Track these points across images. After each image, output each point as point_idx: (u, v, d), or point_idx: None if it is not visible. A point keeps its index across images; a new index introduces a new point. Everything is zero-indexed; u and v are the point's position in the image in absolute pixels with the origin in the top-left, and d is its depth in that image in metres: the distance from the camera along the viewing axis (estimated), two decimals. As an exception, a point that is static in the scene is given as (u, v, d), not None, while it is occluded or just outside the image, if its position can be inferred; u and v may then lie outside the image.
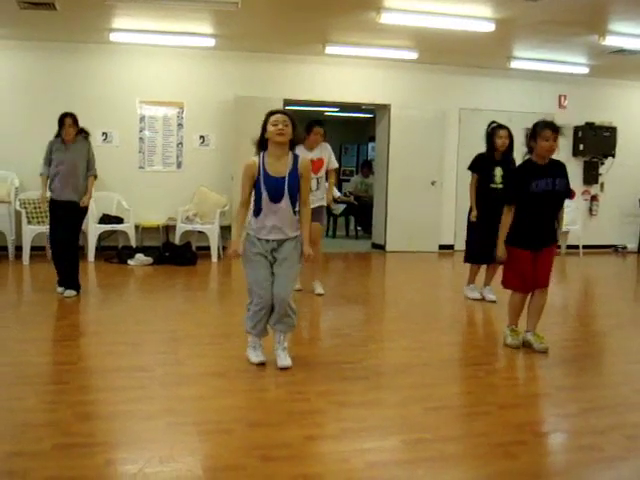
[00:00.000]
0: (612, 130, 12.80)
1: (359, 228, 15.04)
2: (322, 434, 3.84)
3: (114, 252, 10.15)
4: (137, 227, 10.52)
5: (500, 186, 7.25)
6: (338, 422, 3.99)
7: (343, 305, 7.68)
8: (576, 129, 12.71)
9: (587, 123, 12.66)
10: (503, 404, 4.47)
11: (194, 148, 11.08)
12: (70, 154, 7.31)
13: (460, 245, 12.32)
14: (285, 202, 4.79)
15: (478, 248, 7.47)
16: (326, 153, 7.74)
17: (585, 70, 11.75)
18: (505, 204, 5.61)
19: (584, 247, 12.28)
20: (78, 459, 3.37)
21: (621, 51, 10.10)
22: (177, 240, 10.48)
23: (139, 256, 9.80)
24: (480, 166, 7.58)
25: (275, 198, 4.76)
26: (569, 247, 12.45)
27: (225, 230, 10.74)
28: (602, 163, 12.93)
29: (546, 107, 12.37)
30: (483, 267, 7.71)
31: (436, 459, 3.52)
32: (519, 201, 5.50)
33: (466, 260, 7.90)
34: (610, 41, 9.32)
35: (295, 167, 4.82)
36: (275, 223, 4.81)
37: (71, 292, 7.33)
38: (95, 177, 7.60)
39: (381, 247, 12.29)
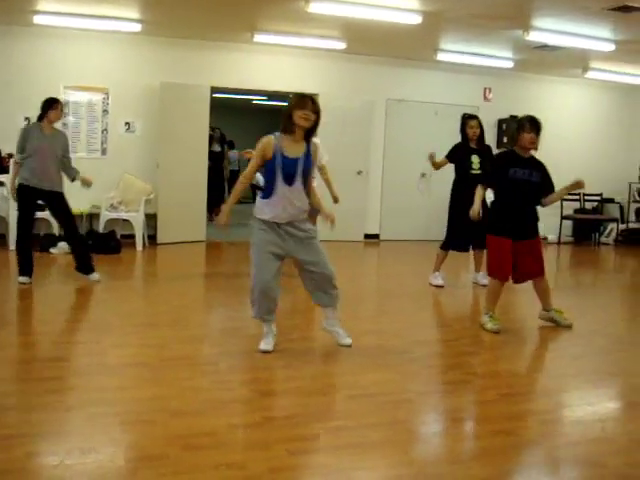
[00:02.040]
0: (535, 123, 13.06)
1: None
2: (245, 422, 3.85)
3: (36, 240, 9.93)
4: (60, 214, 10.30)
5: (478, 172, 7.61)
6: (261, 411, 4.01)
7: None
8: (500, 122, 12.96)
9: (511, 116, 12.86)
10: (423, 391, 4.55)
11: (119, 135, 10.92)
12: (52, 143, 7.23)
13: (386, 235, 12.51)
14: (298, 182, 4.99)
15: (459, 235, 7.81)
16: (316, 148, 7.70)
17: (510, 64, 11.98)
18: (480, 183, 6.14)
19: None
20: (-4, 451, 3.32)
21: (544, 47, 10.33)
22: (101, 228, 10.32)
23: (62, 244, 9.61)
24: (457, 155, 7.91)
25: (289, 179, 4.93)
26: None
27: (150, 218, 10.63)
28: (525, 156, 13.19)
29: (471, 99, 12.59)
30: (451, 255, 8.04)
31: (359, 446, 3.56)
32: (496, 185, 5.99)
33: (443, 247, 8.06)
34: (534, 36, 9.51)
35: (308, 150, 5.05)
36: (291, 204, 4.98)
37: (95, 275, 7.49)
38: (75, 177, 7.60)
39: (308, 236, 12.29)
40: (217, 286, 7.83)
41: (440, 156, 8.02)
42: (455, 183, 8.01)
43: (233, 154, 18.11)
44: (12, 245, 9.67)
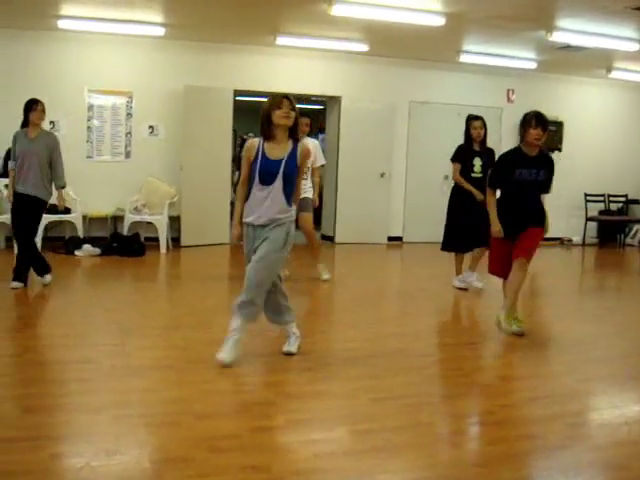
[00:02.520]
0: (559, 125, 13.00)
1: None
2: (270, 425, 3.85)
3: (61, 243, 10.02)
4: (85, 217, 10.38)
5: (480, 175, 7.52)
6: (285, 413, 4.01)
7: (290, 297, 7.66)
8: (523, 123, 12.87)
9: (534, 117, 12.82)
10: (448, 394, 4.53)
11: (143, 138, 10.97)
12: (34, 147, 7.07)
13: (408, 237, 12.48)
14: (278, 185, 4.77)
15: (457, 236, 7.71)
16: (313, 147, 7.78)
17: (533, 65, 11.91)
18: (487, 187, 5.97)
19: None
20: (23, 453, 3.33)
21: (567, 47, 10.26)
22: (125, 231, 10.37)
23: (87, 247, 9.69)
24: (461, 157, 7.78)
25: (266, 180, 4.76)
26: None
27: (174, 221, 10.68)
28: (549, 157, 13.12)
29: (494, 101, 12.54)
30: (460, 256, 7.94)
31: (383, 449, 3.56)
32: (502, 186, 5.86)
33: (443, 248, 8.03)
34: (557, 37, 9.45)
35: (294, 152, 4.84)
36: (264, 206, 4.78)
37: (18, 284, 7.18)
38: (63, 187, 7.40)
39: (330, 239, 12.32)
40: (240, 289, 7.83)
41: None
42: (456, 184, 7.89)
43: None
44: (38, 248, 9.75)
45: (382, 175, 12.11)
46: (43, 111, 7.18)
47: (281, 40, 10.53)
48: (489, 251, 6.14)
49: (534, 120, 5.69)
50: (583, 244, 13.26)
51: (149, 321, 6.11)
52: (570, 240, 13.32)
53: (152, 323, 6.03)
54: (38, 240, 9.72)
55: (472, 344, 5.75)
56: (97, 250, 9.69)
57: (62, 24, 9.72)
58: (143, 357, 5.02)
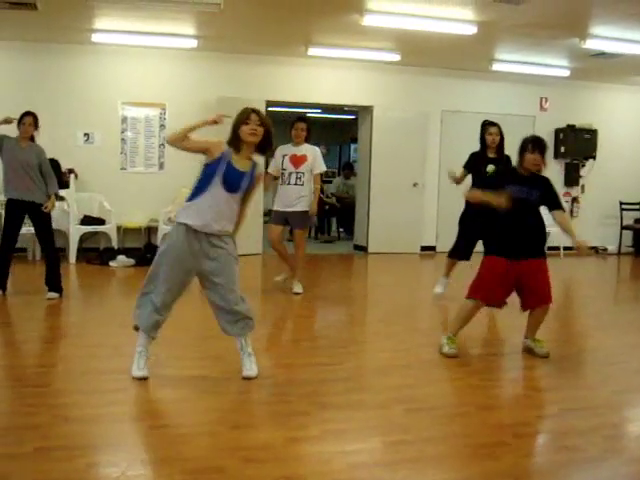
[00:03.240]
0: (593, 132, 12.89)
1: (341, 230, 15.06)
2: (304, 436, 3.84)
3: (96, 254, 10.11)
4: (119, 228, 10.48)
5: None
6: (320, 424, 3.99)
7: (325, 307, 7.69)
8: (557, 131, 12.80)
9: (568, 125, 12.73)
10: (483, 405, 4.49)
11: (176, 149, 11.02)
12: (26, 155, 7.16)
13: (442, 246, 12.40)
14: (238, 196, 4.60)
15: (466, 244, 7.58)
16: (312, 154, 7.80)
17: (566, 73, 11.83)
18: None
19: (565, 249, 12.33)
20: (59, 462, 3.36)
21: (601, 54, 10.18)
22: (159, 241, 10.43)
23: (121, 258, 9.77)
24: (474, 164, 7.60)
25: (230, 188, 4.53)
26: (550, 249, 12.46)
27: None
28: (583, 165, 13.01)
29: (528, 109, 12.47)
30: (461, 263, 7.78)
31: (417, 460, 3.54)
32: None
33: (450, 255, 7.92)
34: (591, 44, 9.39)
35: (252, 172, 4.66)
36: (219, 212, 4.54)
37: (53, 294, 7.28)
38: (56, 195, 7.51)
39: (363, 249, 12.31)
40: (272, 299, 7.86)
41: (459, 169, 7.74)
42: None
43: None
44: (72, 259, 9.88)
45: (415, 185, 12.08)
46: (31, 125, 7.19)
47: (313, 51, 10.57)
48: (478, 272, 5.58)
49: (531, 145, 5.36)
50: (618, 253, 13.11)
51: (183, 331, 6.12)
52: (605, 249, 13.18)
53: (186, 333, 6.04)
54: (74, 251, 9.85)
55: (506, 355, 5.70)
56: (131, 261, 9.76)
57: (96, 38, 9.85)
58: (177, 367, 5.05)
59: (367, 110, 12.19)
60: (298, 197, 7.73)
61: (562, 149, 12.72)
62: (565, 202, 13.02)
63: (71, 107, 10.52)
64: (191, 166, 11.47)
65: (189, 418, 4.07)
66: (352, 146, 19.38)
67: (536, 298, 5.47)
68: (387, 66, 11.65)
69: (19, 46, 10.27)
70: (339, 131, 20.80)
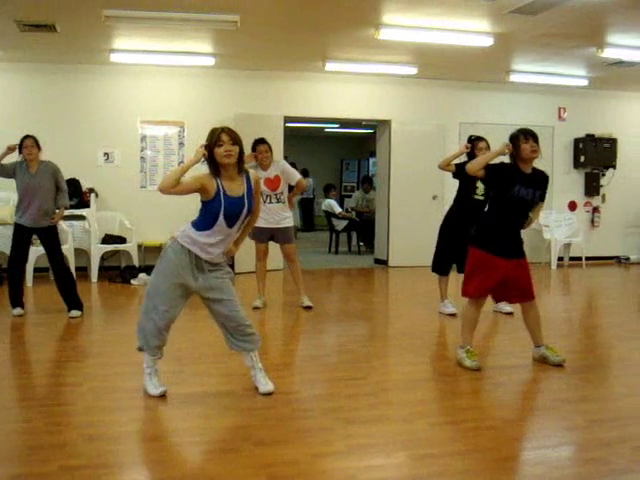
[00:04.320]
0: (612, 141, 12.81)
1: (361, 244, 15.04)
2: (329, 451, 3.83)
3: (117, 272, 10.16)
4: (140, 246, 10.53)
5: (482, 198, 7.15)
6: (344, 439, 3.98)
7: (346, 321, 7.68)
8: (576, 141, 12.75)
9: (587, 135, 12.68)
10: (508, 418, 4.46)
11: (195, 167, 10.95)
12: (36, 181, 7.18)
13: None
14: (237, 227, 4.58)
15: (447, 258, 7.56)
16: (281, 171, 7.85)
17: (584, 82, 11.79)
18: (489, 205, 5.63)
19: (587, 259, 12.27)
20: (85, 481, 3.37)
21: (620, 63, 10.14)
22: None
23: (142, 275, 9.80)
24: (464, 176, 6.91)
25: (232, 223, 4.50)
26: (572, 259, 12.45)
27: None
28: (603, 174, 12.94)
29: (546, 120, 12.42)
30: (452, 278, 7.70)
31: (443, 474, 3.51)
32: (495, 199, 5.50)
33: (434, 269, 7.85)
34: (608, 53, 9.36)
35: (249, 185, 4.60)
36: (224, 245, 4.58)
37: (76, 312, 7.33)
38: (66, 208, 7.59)
39: (384, 262, 12.29)
40: (295, 314, 7.85)
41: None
42: (455, 202, 7.61)
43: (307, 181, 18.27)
44: (94, 277, 9.93)
45: (434, 197, 12.06)
46: (33, 146, 7.19)
47: (330, 66, 10.61)
48: (468, 268, 5.55)
49: (522, 135, 5.33)
50: (642, 262, 13.02)
51: (207, 348, 6.14)
52: (627, 258, 13.08)
53: (209, 350, 6.05)
54: (95, 269, 9.91)
55: (532, 366, 5.65)
56: (152, 278, 9.78)
57: (114, 58, 9.94)
58: (202, 384, 5.05)
59: (385, 124, 12.20)
60: (283, 214, 7.89)
61: (582, 159, 12.66)
62: (586, 212, 12.97)
63: (91, 127, 10.62)
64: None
65: (213, 435, 4.07)
66: (371, 160, 19.42)
67: (519, 294, 5.56)
68: (404, 79, 11.67)
69: (39, 68, 10.40)
70: (357, 145, 20.87)
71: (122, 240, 10.43)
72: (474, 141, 7.38)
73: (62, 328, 7.01)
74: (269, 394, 4.69)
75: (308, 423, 4.25)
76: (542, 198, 5.58)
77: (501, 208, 5.46)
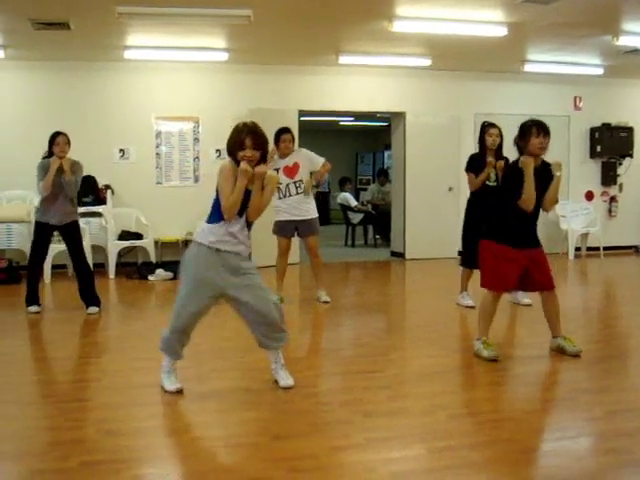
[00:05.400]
0: (629, 130, 12.72)
1: (377, 237, 15.02)
2: (347, 444, 3.82)
3: (134, 268, 10.20)
4: (156, 242, 10.57)
5: (494, 184, 7.15)
6: (363, 432, 3.97)
7: (363, 314, 7.67)
8: (592, 130, 12.67)
9: (603, 124, 12.59)
10: (527, 409, 4.45)
11: (211, 162, 11.08)
12: (58, 178, 7.10)
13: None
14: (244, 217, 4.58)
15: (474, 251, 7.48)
16: (302, 157, 7.81)
17: (600, 71, 11.71)
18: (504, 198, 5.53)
19: (604, 248, 12.21)
20: (104, 476, 3.38)
21: (635, 51, 10.06)
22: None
23: (159, 271, 9.83)
24: (476, 166, 7.36)
25: (240, 211, 4.53)
26: (589, 249, 12.39)
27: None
28: (620, 164, 12.85)
29: (561, 109, 12.35)
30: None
31: (462, 466, 3.50)
32: (513, 195, 5.39)
33: (463, 264, 7.75)
34: (624, 41, 9.29)
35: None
36: (242, 236, 4.60)
37: (94, 309, 7.36)
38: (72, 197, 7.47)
39: (400, 255, 12.27)
40: (311, 309, 7.86)
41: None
42: (471, 193, 7.55)
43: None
44: (112, 274, 9.98)
45: (450, 189, 12.02)
46: (67, 143, 7.19)
47: (343, 59, 10.59)
48: (484, 262, 5.60)
49: (535, 128, 5.31)
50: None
51: (224, 343, 6.15)
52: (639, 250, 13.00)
53: (228, 345, 6.06)
54: (112, 266, 9.95)
55: (549, 357, 5.63)
56: (169, 274, 9.80)
57: (128, 54, 9.96)
58: (220, 379, 5.06)
59: (399, 116, 12.17)
60: (306, 205, 7.77)
61: (598, 148, 12.58)
62: (603, 202, 12.89)
63: (106, 124, 10.65)
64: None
65: (232, 429, 4.08)
66: (386, 153, 19.36)
67: (539, 283, 5.53)
68: (418, 71, 11.63)
69: (53, 66, 10.43)
70: (372, 138, 20.81)
71: (138, 236, 10.46)
72: (486, 127, 7.40)
73: (80, 324, 7.04)
74: (288, 388, 4.69)
75: (327, 416, 4.26)
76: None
77: (514, 202, 5.39)
